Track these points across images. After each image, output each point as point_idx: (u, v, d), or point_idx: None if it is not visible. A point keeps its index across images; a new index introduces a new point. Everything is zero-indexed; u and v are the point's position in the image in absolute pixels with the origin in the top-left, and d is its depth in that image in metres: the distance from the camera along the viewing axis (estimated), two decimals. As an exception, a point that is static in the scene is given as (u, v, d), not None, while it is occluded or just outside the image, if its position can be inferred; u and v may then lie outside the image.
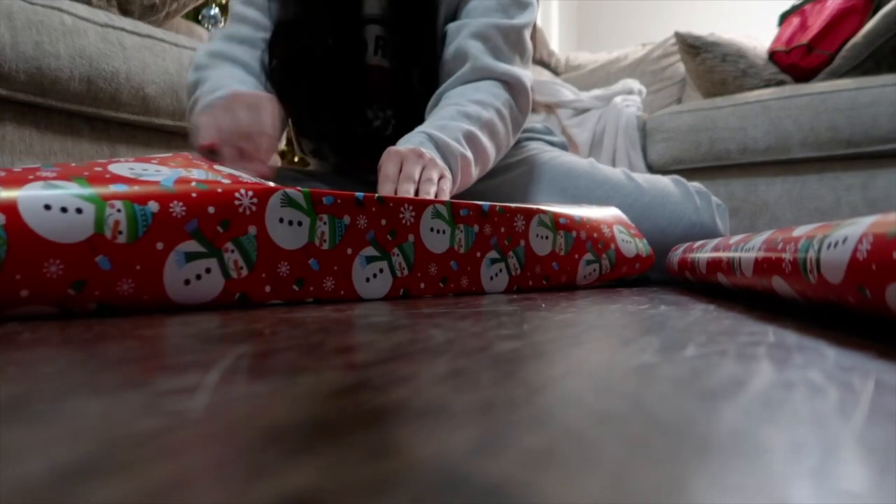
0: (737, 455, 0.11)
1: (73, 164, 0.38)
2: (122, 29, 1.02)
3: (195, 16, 1.72)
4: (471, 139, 0.67)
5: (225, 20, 1.86)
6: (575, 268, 0.60)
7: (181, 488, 0.09)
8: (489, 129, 0.70)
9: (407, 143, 0.63)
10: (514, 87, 0.75)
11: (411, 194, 0.54)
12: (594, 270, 0.62)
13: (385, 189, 0.55)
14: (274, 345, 0.23)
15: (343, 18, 0.76)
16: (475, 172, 0.69)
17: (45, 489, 0.09)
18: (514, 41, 0.76)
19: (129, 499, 0.08)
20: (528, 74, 0.77)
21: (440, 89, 0.75)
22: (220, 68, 0.72)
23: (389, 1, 0.77)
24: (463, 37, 0.74)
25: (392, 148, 0.60)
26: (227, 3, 1.83)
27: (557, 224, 0.59)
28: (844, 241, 0.23)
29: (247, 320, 0.32)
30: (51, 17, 0.91)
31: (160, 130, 1.12)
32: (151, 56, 1.05)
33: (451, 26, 0.76)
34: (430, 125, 0.66)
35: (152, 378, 0.17)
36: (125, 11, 1.11)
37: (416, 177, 0.56)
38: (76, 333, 0.27)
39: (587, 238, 0.61)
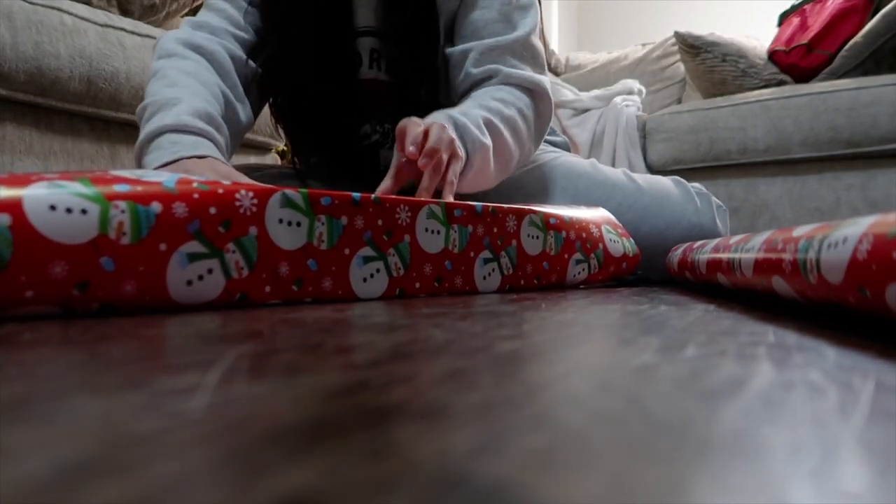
0: (737, 455, 0.11)
1: (72, 171, 0.38)
2: (122, 29, 1.02)
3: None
4: (490, 126, 0.67)
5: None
6: (565, 267, 0.61)
7: (181, 488, 0.09)
8: (510, 124, 0.70)
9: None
10: (535, 92, 0.75)
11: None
12: (583, 270, 0.63)
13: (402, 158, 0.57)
14: (274, 345, 0.23)
15: (331, 32, 0.74)
16: (494, 165, 0.69)
17: (46, 489, 0.09)
18: (521, 52, 0.75)
19: (129, 499, 0.08)
20: (547, 80, 0.77)
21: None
22: (179, 63, 0.69)
23: (384, 12, 0.75)
24: (470, 64, 0.73)
25: (415, 118, 0.60)
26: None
27: (548, 224, 0.59)
28: (844, 241, 0.23)
29: (247, 320, 0.32)
30: (51, 17, 0.91)
31: (160, 130, 1.11)
32: (151, 56, 1.05)
33: (456, 51, 0.75)
34: (451, 110, 0.66)
35: (152, 378, 0.17)
36: (125, 11, 1.11)
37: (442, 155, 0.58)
38: (77, 334, 0.27)
39: (576, 238, 0.62)
